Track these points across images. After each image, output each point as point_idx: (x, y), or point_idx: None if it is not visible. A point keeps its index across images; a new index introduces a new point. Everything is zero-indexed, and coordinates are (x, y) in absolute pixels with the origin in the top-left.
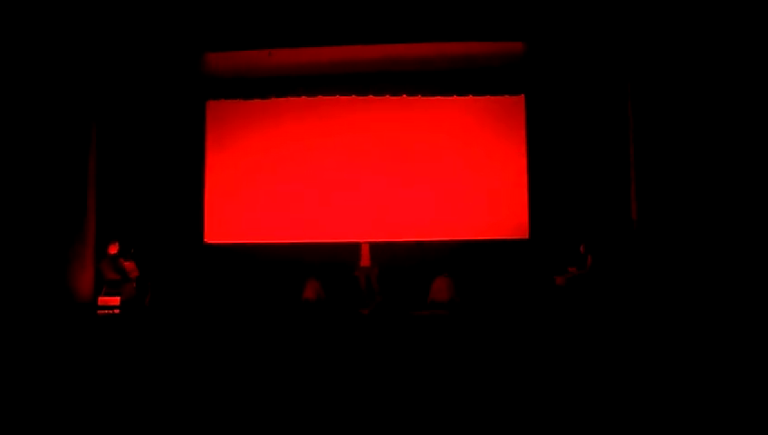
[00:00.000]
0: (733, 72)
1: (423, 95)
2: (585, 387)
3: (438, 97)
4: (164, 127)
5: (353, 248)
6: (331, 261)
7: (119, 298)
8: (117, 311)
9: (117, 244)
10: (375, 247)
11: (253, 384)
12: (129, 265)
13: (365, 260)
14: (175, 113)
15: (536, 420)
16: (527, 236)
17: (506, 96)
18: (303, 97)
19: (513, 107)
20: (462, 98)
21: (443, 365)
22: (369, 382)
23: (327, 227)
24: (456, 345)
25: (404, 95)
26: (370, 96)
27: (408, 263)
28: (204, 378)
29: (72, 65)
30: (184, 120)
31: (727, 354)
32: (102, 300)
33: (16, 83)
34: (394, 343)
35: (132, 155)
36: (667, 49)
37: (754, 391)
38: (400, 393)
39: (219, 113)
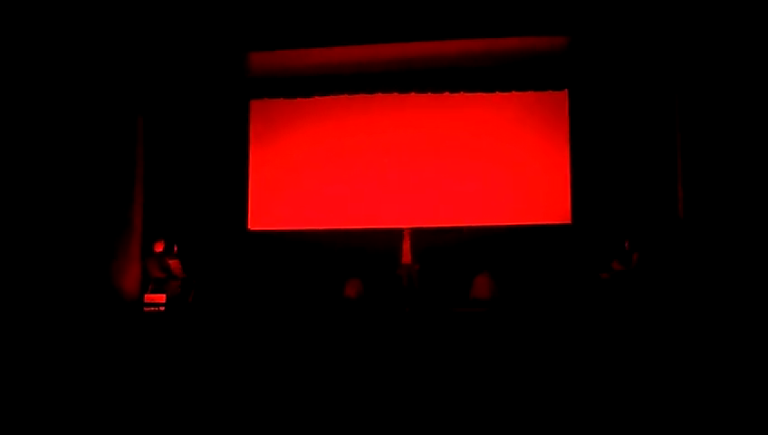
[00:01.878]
0: None
1: (465, 92)
2: (623, 390)
3: (481, 93)
4: (209, 125)
5: (395, 245)
6: (372, 259)
7: (164, 296)
8: (162, 308)
9: (163, 242)
10: (416, 244)
11: (293, 382)
12: (173, 263)
13: (406, 257)
14: (219, 112)
15: (573, 418)
16: (569, 223)
17: (550, 91)
18: (346, 95)
19: (557, 102)
20: (505, 94)
21: (483, 363)
22: (407, 380)
23: (370, 214)
24: (497, 343)
25: (446, 92)
26: (412, 93)
27: (449, 260)
28: (245, 375)
29: (122, 63)
30: (228, 118)
31: None
32: (148, 297)
33: (68, 79)
34: (435, 341)
35: (178, 153)
36: (714, 44)
37: None
38: (439, 391)
39: (263, 112)
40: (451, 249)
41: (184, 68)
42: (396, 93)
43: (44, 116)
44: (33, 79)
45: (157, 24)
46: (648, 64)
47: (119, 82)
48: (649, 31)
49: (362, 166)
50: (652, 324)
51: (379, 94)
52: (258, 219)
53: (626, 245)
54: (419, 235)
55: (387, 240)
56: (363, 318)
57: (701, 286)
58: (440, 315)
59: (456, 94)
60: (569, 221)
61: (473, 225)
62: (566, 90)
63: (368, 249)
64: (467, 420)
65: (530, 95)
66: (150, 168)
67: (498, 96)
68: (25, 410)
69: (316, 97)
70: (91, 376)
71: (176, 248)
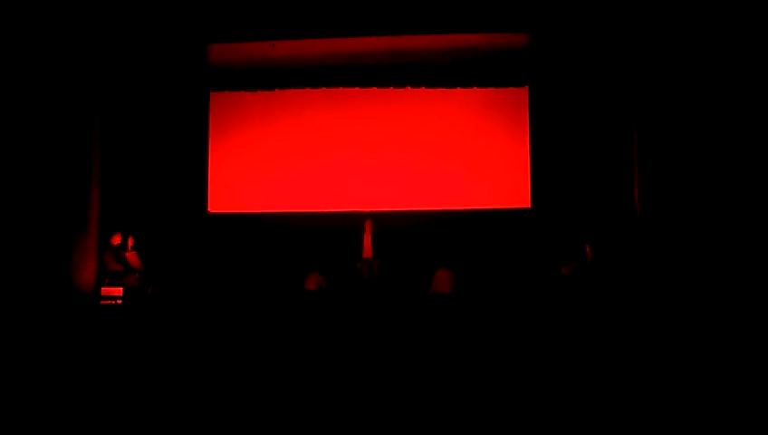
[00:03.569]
0: (738, 65)
1: (427, 87)
2: (586, 383)
3: (442, 89)
4: (168, 118)
5: (356, 239)
6: (333, 253)
7: (121, 289)
8: (119, 301)
9: (119, 235)
10: (377, 238)
11: (255, 375)
12: (131, 255)
13: (367, 251)
14: (178, 105)
15: (535, 414)
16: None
17: (511, 88)
18: (307, 89)
19: (518, 99)
20: (466, 90)
21: (445, 356)
22: (368, 373)
23: (330, 198)
24: (458, 338)
25: (407, 87)
26: (374, 88)
27: (410, 253)
28: (206, 369)
29: (76, 57)
30: (188, 111)
31: (732, 351)
32: (105, 290)
33: (19, 75)
34: (397, 333)
35: (136, 146)
36: (672, 43)
37: (755, 386)
38: (400, 385)
39: (223, 104)
40: (412, 242)
41: (143, 60)
42: (357, 88)
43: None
44: None
45: (116, 15)
46: (608, 63)
47: (74, 75)
48: (609, 30)
49: (323, 156)
50: (609, 319)
51: (341, 88)
52: (218, 204)
53: (581, 239)
54: (380, 229)
55: (348, 235)
56: (323, 311)
57: (657, 279)
58: (401, 310)
59: (417, 89)
60: (528, 205)
61: (433, 209)
62: (527, 86)
63: (329, 243)
64: (429, 413)
65: (491, 91)
66: (107, 160)
67: (459, 91)
68: None
69: (278, 90)
70: (46, 370)
71: (132, 241)
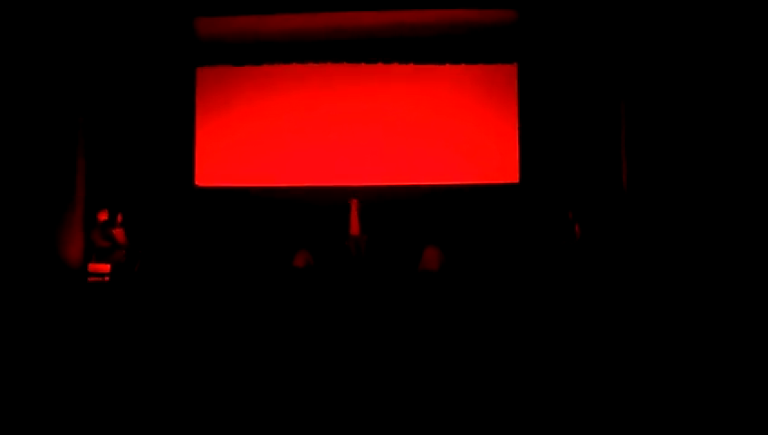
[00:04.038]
0: (726, 43)
1: (415, 63)
2: (575, 361)
3: (431, 65)
4: (154, 93)
5: (343, 217)
6: (320, 231)
7: (108, 265)
8: (107, 278)
9: (106, 211)
10: (365, 215)
11: (243, 351)
12: (118, 232)
13: (354, 229)
14: (165, 79)
15: (524, 393)
16: (517, 188)
17: (499, 64)
18: (295, 64)
19: (506, 75)
20: (454, 66)
21: (432, 333)
22: (356, 350)
23: (318, 172)
24: (446, 316)
25: (395, 63)
26: (362, 64)
27: (397, 230)
28: (194, 345)
29: (60, 30)
30: (174, 86)
31: (721, 327)
32: (92, 267)
33: (8, 46)
34: (385, 311)
35: (122, 122)
36: (660, 19)
37: (744, 368)
38: (389, 364)
39: (210, 79)
40: (400, 218)
41: (129, 33)
42: (345, 63)
43: None
44: None
45: None
46: (596, 39)
47: (58, 48)
48: (597, 6)
49: (311, 131)
50: (598, 295)
51: (329, 64)
52: (205, 179)
53: (569, 215)
54: (368, 205)
55: (336, 211)
56: (311, 289)
57: (644, 256)
58: (389, 287)
59: (405, 65)
60: (516, 181)
61: (421, 184)
62: (515, 63)
63: (316, 220)
64: (418, 393)
65: (480, 68)
66: (93, 136)
67: (448, 68)
68: None
69: (265, 65)
70: (33, 347)
71: (120, 217)
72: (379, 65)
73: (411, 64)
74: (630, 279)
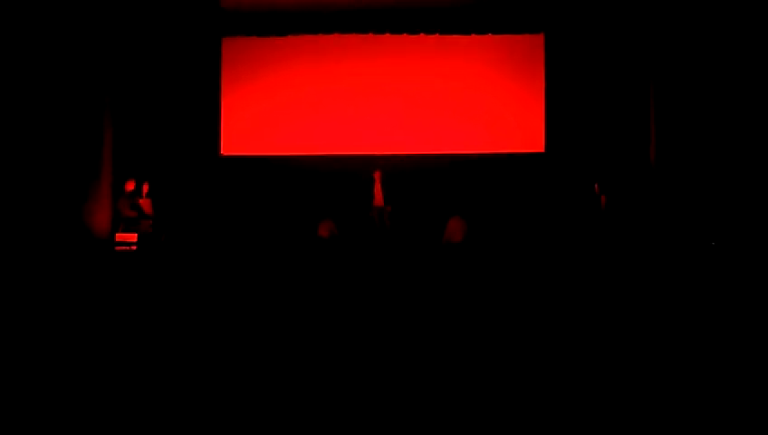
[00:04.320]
0: (756, 18)
1: (441, 33)
2: (598, 336)
3: (457, 36)
4: (179, 64)
5: (368, 185)
6: (345, 202)
7: (135, 235)
8: (134, 247)
9: (134, 181)
10: (389, 185)
11: (268, 321)
12: (144, 202)
13: (378, 199)
14: (190, 50)
15: (545, 368)
16: (543, 157)
17: (526, 35)
18: (320, 35)
19: (533, 45)
20: (481, 36)
21: (454, 305)
22: (380, 324)
23: (344, 141)
24: (469, 288)
25: (421, 33)
26: (387, 34)
27: (421, 201)
28: (219, 315)
29: (88, 3)
30: (199, 57)
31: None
32: (120, 236)
33: (34, 26)
34: (409, 282)
35: (148, 92)
36: None
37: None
38: (415, 339)
39: (235, 50)
40: (425, 187)
41: (155, 6)
42: (371, 34)
43: (9, 61)
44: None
45: None
46: (625, 10)
47: (86, 22)
48: None
49: (336, 101)
50: (621, 270)
51: (354, 35)
52: (231, 148)
53: (595, 187)
54: (393, 174)
55: (360, 181)
56: (336, 258)
57: (669, 233)
58: (413, 258)
59: (431, 36)
60: (542, 150)
61: (446, 153)
62: (542, 33)
63: (341, 190)
64: (442, 370)
65: (506, 38)
66: (120, 108)
67: (474, 38)
68: None
69: (290, 36)
70: (63, 314)
71: (146, 187)
72: (405, 36)
73: (437, 35)
74: (655, 254)
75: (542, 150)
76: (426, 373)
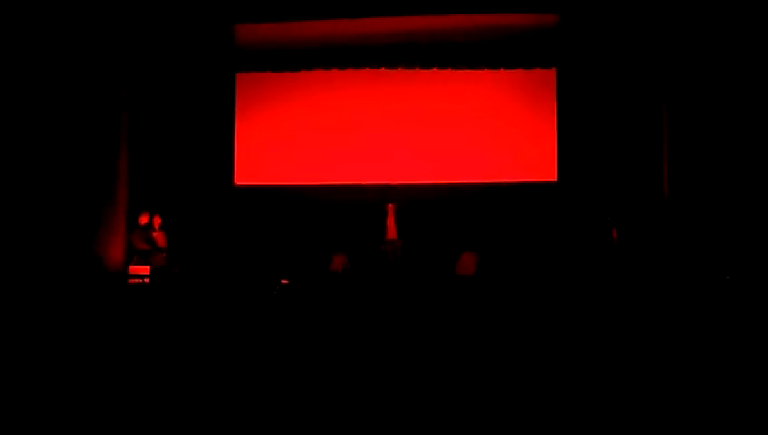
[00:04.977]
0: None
1: (453, 68)
2: (610, 366)
3: (469, 70)
4: (194, 98)
5: (381, 217)
6: (357, 235)
7: (149, 267)
8: (147, 280)
9: (147, 214)
10: (402, 214)
11: (281, 353)
12: (158, 235)
13: (391, 233)
14: (205, 85)
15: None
16: (555, 186)
17: (538, 69)
18: (334, 69)
19: (545, 80)
20: (493, 71)
21: (466, 338)
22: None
23: (356, 173)
24: (481, 321)
25: (434, 68)
26: (400, 68)
27: (433, 235)
28: (232, 347)
29: (104, 37)
30: (214, 91)
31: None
32: (133, 269)
33: (49, 54)
34: (421, 318)
35: (163, 127)
36: (703, 24)
37: None
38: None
39: (249, 85)
40: (437, 217)
41: (170, 40)
42: (384, 68)
43: (27, 88)
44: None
45: None
46: (637, 45)
47: (102, 56)
48: (639, 11)
49: (351, 133)
50: (632, 305)
51: (367, 69)
52: (244, 180)
53: (607, 220)
54: (406, 204)
55: (373, 213)
56: (348, 292)
57: (684, 265)
58: (425, 292)
59: (443, 70)
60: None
61: (458, 182)
62: (554, 68)
63: (354, 223)
64: (455, 404)
65: (518, 72)
66: (135, 140)
67: (486, 72)
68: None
69: (303, 71)
70: (75, 347)
71: (159, 220)
72: (417, 70)
73: (449, 69)
74: (667, 290)
75: (555, 180)
76: (439, 408)
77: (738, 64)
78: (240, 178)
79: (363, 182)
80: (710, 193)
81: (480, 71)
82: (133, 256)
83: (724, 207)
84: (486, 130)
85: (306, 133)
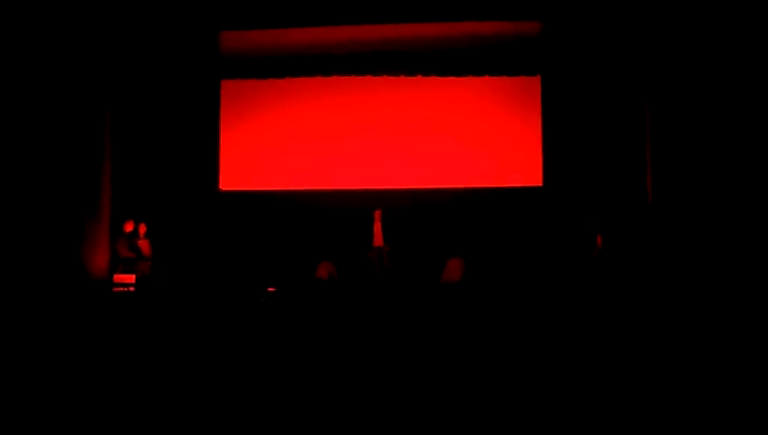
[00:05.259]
0: (753, 50)
1: (438, 75)
2: (596, 373)
3: (454, 77)
4: (179, 106)
5: (367, 223)
6: (343, 242)
7: (134, 276)
8: (132, 289)
9: (132, 222)
10: (389, 220)
11: (266, 362)
12: (143, 243)
13: (377, 240)
14: (190, 93)
15: (543, 405)
16: (540, 191)
17: (522, 76)
18: (318, 77)
19: (530, 87)
20: (477, 78)
21: (453, 346)
22: (381, 362)
23: (341, 179)
24: (468, 327)
25: (419, 75)
26: (385, 76)
27: (420, 241)
28: (218, 356)
29: (88, 44)
30: (198, 99)
31: (743, 343)
32: (118, 277)
33: (32, 62)
34: (408, 325)
35: (147, 134)
36: (685, 30)
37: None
38: (414, 376)
39: (234, 92)
40: (424, 222)
41: (155, 48)
42: (369, 76)
43: (10, 92)
44: None
45: (129, 3)
46: (621, 51)
47: (86, 62)
48: (621, 18)
49: (335, 141)
50: (620, 308)
51: (352, 76)
52: (228, 184)
53: (591, 226)
54: (393, 210)
55: (359, 218)
56: (335, 299)
57: (668, 269)
58: (412, 299)
59: (428, 77)
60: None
61: (445, 187)
62: (539, 75)
63: (339, 227)
64: (442, 411)
65: (503, 79)
66: (119, 147)
67: (471, 79)
68: None
69: (288, 78)
70: (59, 356)
71: (144, 228)
72: (402, 78)
73: (434, 77)
74: (651, 294)
75: (540, 185)
76: (426, 414)
77: (720, 69)
78: (225, 184)
79: (349, 187)
80: (693, 197)
81: (465, 78)
82: (118, 264)
83: (708, 212)
84: (472, 136)
85: (291, 140)
